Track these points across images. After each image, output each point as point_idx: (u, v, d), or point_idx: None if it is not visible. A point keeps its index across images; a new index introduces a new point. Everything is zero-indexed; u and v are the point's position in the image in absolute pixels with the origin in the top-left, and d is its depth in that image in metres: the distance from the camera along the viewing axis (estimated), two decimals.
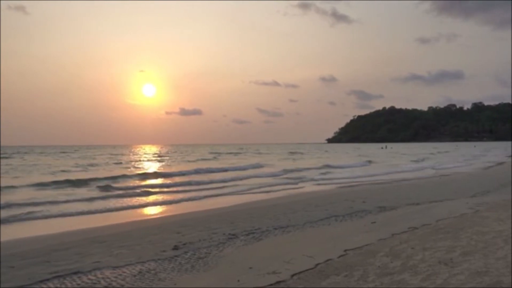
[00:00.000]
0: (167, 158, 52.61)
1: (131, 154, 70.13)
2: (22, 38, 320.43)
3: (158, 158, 51.45)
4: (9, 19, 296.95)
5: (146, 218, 10.76)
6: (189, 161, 41.95)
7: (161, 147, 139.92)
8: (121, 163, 39.78)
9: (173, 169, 29.04)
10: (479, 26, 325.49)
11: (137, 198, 14.37)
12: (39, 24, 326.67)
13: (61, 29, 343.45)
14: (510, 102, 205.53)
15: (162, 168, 31.66)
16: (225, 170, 27.11)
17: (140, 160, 46.37)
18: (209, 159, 45.45)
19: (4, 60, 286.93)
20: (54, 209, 11.47)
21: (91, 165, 35.49)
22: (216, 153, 66.20)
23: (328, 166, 30.84)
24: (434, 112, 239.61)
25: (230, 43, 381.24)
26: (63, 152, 73.25)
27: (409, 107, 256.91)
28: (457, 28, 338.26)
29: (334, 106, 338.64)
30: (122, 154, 67.39)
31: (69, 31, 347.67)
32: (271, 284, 4.79)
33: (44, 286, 5.07)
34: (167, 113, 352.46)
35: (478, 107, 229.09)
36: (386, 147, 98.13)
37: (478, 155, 50.47)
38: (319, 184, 18.77)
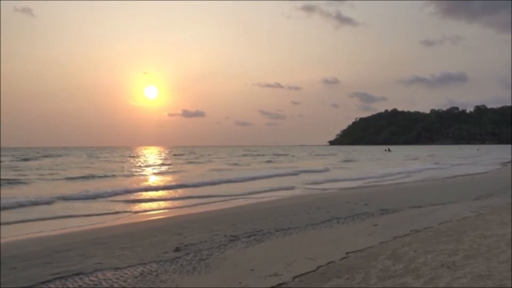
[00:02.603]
0: (197, 160, 49.33)
1: (161, 156, 67.89)
2: (28, 40, 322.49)
3: (196, 161, 47.64)
4: (16, 21, 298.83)
5: (146, 219, 10.77)
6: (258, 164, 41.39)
7: (170, 149, 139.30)
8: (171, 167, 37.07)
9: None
10: (483, 28, 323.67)
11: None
12: (44, 26, 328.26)
13: (65, 31, 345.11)
14: None
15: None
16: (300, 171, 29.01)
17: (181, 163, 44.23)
18: (266, 162, 45.06)
19: (8, 61, 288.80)
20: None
21: (132, 168, 35.10)
22: (241, 156, 65.41)
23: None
24: (436, 115, 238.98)
25: (233, 45, 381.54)
26: (68, 154, 73.35)
27: (412, 109, 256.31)
28: (461, 30, 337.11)
29: (336, 108, 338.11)
30: (147, 156, 66.81)
31: (72, 33, 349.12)
32: (272, 287, 4.78)
33: (46, 287, 5.07)
34: (169, 115, 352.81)
35: (481, 110, 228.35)
36: (389, 149, 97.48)
37: None
38: None
